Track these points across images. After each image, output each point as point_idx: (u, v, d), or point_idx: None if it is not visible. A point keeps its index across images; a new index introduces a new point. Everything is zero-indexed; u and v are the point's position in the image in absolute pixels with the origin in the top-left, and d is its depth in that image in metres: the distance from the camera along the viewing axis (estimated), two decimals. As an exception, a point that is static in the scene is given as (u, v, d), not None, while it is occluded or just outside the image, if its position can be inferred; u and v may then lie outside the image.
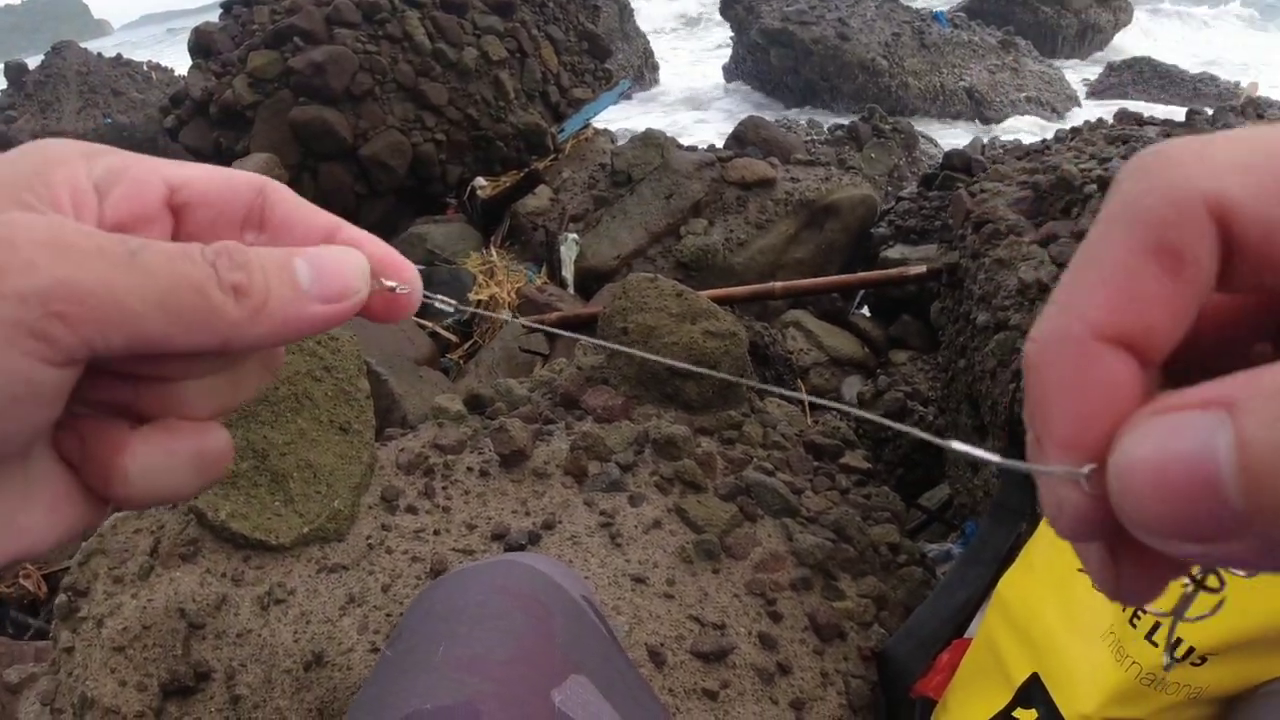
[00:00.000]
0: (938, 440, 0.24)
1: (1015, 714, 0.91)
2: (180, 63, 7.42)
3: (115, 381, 0.30)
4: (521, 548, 1.21)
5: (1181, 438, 0.18)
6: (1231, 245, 0.20)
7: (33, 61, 8.89)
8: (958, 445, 0.23)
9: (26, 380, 0.25)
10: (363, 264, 0.32)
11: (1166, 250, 0.20)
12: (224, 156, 4.51)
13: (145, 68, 8.98)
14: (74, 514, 0.30)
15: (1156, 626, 0.81)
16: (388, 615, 1.15)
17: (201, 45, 4.91)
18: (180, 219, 0.33)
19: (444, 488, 1.32)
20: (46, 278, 0.25)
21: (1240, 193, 0.20)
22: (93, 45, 9.48)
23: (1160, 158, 0.21)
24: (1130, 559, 0.22)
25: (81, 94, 8.31)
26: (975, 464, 1.70)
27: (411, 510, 1.28)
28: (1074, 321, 0.21)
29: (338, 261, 0.31)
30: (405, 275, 0.34)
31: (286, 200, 0.34)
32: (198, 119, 4.76)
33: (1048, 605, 0.94)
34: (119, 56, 8.98)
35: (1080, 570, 0.93)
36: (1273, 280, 0.21)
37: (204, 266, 0.28)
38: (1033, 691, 0.90)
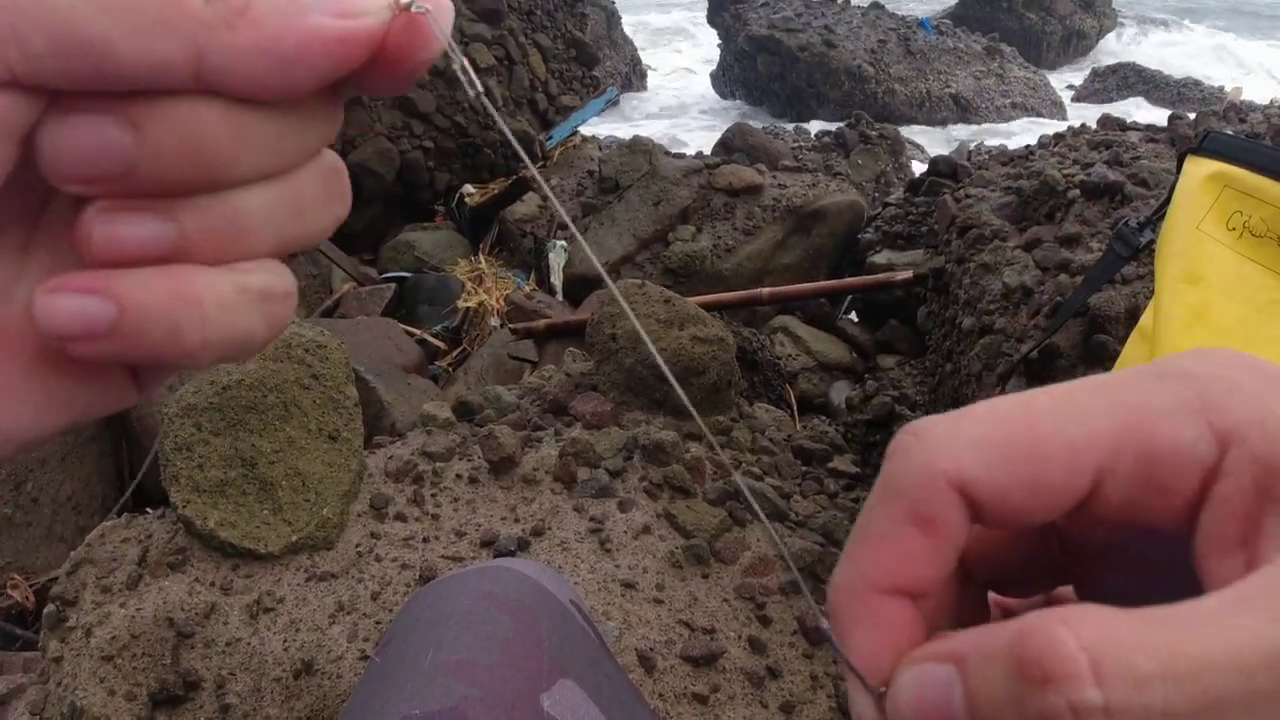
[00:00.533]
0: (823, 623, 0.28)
1: None
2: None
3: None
4: (511, 554, 1.22)
5: (930, 683, 0.23)
6: (974, 506, 0.25)
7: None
8: (825, 624, 0.27)
9: None
10: None
11: (920, 518, 0.25)
12: (211, 165, 4.50)
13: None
14: (96, 388, 0.25)
15: None
16: (377, 623, 1.15)
17: (188, 53, 4.90)
18: None
19: (433, 495, 1.33)
20: None
21: (973, 467, 0.24)
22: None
23: (916, 437, 0.25)
24: None
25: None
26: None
27: (401, 518, 1.28)
28: (856, 578, 0.25)
29: None
30: None
31: None
32: (185, 127, 4.75)
33: None
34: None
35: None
36: (1017, 524, 0.25)
37: None
38: None
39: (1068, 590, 0.31)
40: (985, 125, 8.26)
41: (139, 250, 0.24)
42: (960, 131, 8.11)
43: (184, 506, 1.21)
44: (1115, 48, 13.11)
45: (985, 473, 0.24)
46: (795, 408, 2.82)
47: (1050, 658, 0.20)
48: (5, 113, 0.21)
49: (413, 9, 0.25)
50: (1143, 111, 8.85)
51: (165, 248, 0.24)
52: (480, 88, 0.27)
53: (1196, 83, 9.85)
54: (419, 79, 0.25)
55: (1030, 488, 0.24)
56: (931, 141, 7.29)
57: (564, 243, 3.74)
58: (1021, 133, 8.05)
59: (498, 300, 3.46)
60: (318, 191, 0.27)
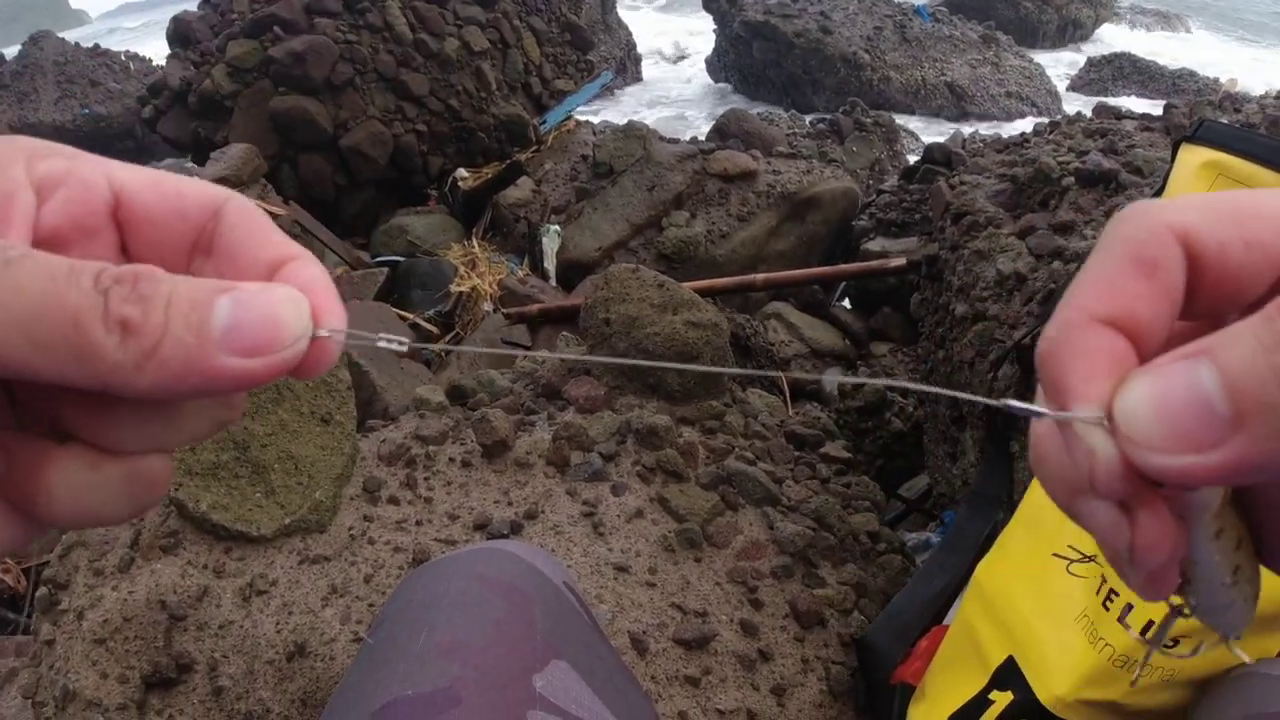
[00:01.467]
0: (992, 402, 0.29)
1: (991, 696, 0.93)
2: (159, 54, 7.34)
3: (39, 397, 0.27)
4: (504, 537, 1.22)
5: (1175, 376, 0.24)
6: (1194, 263, 0.26)
7: (9, 52, 8.77)
8: (1015, 404, 0.27)
9: None
10: (303, 312, 0.27)
11: (1142, 260, 0.26)
12: (202, 146, 4.48)
13: (123, 58, 8.87)
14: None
15: (1129, 608, 0.83)
16: (370, 606, 1.15)
17: (180, 34, 4.87)
18: (126, 235, 0.29)
19: (426, 478, 1.32)
20: None
21: (1197, 220, 0.26)
22: (70, 35, 9.35)
23: (1137, 206, 0.27)
24: (1144, 513, 0.26)
25: (59, 84, 8.22)
26: (953, 454, 1.71)
27: (394, 501, 1.28)
28: (1075, 312, 0.26)
29: (271, 305, 0.26)
30: (335, 319, 0.28)
31: (242, 223, 0.29)
32: (176, 109, 4.72)
33: (1023, 591, 0.95)
34: (96, 46, 8.88)
35: (1055, 555, 0.94)
36: (1225, 300, 0.27)
37: (90, 294, 0.24)
38: (1008, 674, 0.92)
39: None
40: (983, 124, 8.24)
41: None
42: (956, 127, 8.09)
43: (176, 489, 1.21)
44: (1112, 37, 13.09)
45: (1207, 226, 0.26)
46: (788, 394, 2.83)
47: None
48: None
49: (321, 334, 0.27)
50: (1133, 102, 8.85)
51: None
52: (405, 349, 0.30)
53: (1192, 74, 9.86)
54: None
55: (1247, 243, 0.25)
56: (926, 133, 7.28)
57: (557, 228, 3.73)
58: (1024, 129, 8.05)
59: (491, 285, 3.46)
60: (206, 405, 0.29)
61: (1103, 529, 0.27)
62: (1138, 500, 0.26)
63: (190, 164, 3.51)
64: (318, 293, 0.28)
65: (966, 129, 7.04)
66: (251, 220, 0.29)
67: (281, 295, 0.27)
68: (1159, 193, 1.03)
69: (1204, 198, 0.26)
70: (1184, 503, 0.26)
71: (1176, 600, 0.30)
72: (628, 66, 11.10)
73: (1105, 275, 0.26)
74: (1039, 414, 0.26)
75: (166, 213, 0.29)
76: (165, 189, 0.29)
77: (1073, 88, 10.11)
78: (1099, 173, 1.51)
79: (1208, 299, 0.26)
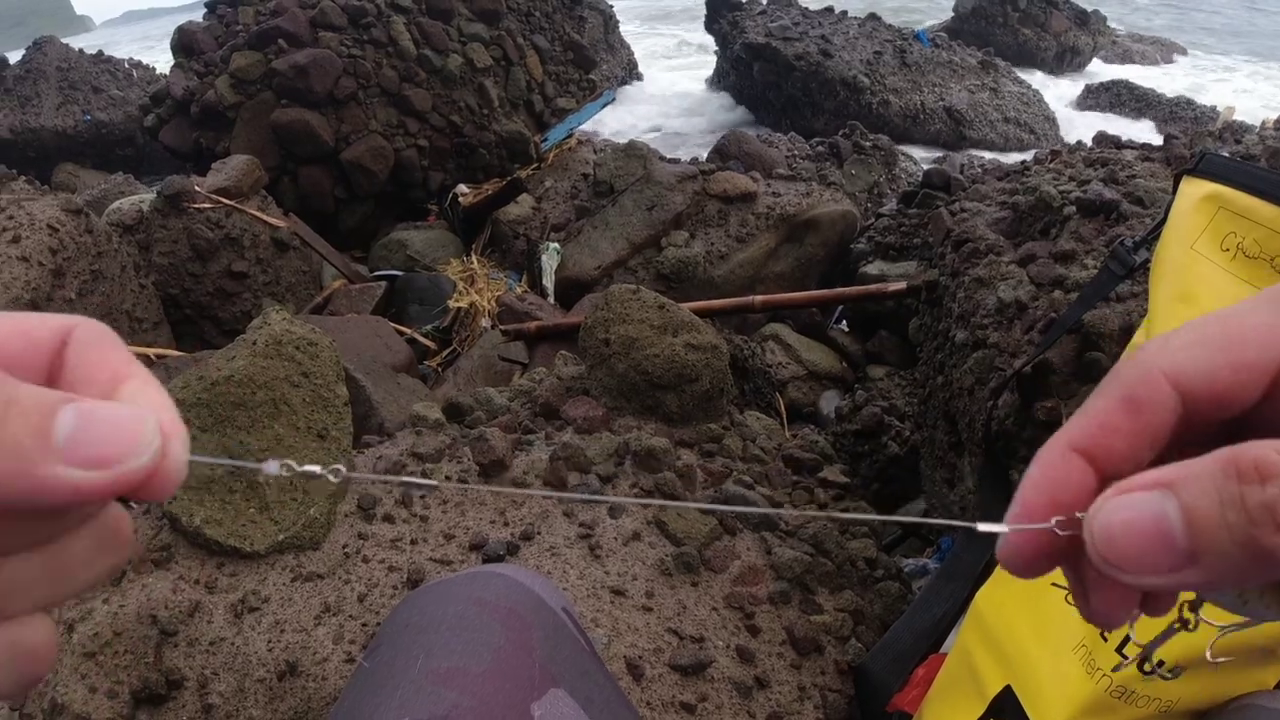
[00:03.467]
0: (959, 524, 0.34)
1: None
2: (162, 61, 7.36)
3: None
4: (500, 558, 1.21)
5: (1145, 507, 0.27)
6: (1187, 398, 0.29)
7: (13, 56, 8.78)
8: (982, 526, 0.32)
9: None
10: (151, 425, 0.26)
11: (1130, 400, 0.30)
12: (204, 156, 4.48)
13: (126, 65, 8.88)
14: None
15: (1127, 640, 0.82)
16: (363, 625, 1.14)
17: (184, 44, 4.88)
18: None
19: (421, 497, 1.32)
20: None
21: (1187, 364, 0.29)
22: (74, 41, 9.36)
23: (1139, 352, 0.30)
24: (1096, 590, 0.31)
25: (61, 90, 8.21)
26: (951, 480, 1.71)
27: (389, 519, 1.27)
28: (1056, 439, 0.31)
29: (119, 417, 0.26)
30: (179, 442, 0.27)
31: (93, 346, 0.29)
32: (178, 118, 4.73)
33: (1021, 619, 0.95)
34: (100, 53, 8.89)
35: (1054, 585, 0.94)
36: (1216, 419, 0.30)
37: None
38: (1005, 703, 0.91)
39: None
40: (981, 150, 8.29)
41: None
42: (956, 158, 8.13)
43: (170, 502, 1.20)
44: (1109, 66, 13.19)
45: (1193, 364, 0.29)
46: (785, 416, 2.82)
47: (1265, 461, 0.25)
48: None
49: (178, 454, 0.26)
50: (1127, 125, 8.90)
51: None
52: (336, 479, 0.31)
53: (1189, 101, 9.92)
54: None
55: (1233, 366, 0.29)
56: (925, 158, 7.31)
57: (557, 245, 3.73)
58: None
59: (489, 301, 3.45)
60: (88, 551, 0.28)
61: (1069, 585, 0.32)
62: (1088, 584, 0.31)
63: (192, 175, 3.52)
64: (161, 414, 0.27)
65: (959, 157, 7.08)
66: (99, 348, 0.29)
67: (129, 409, 0.26)
68: (1160, 224, 1.03)
69: (1198, 331, 0.30)
70: None
71: (1186, 615, 0.35)
72: (629, 85, 11.15)
73: (1094, 410, 0.30)
74: (1001, 529, 0.30)
75: (15, 339, 0.28)
76: (15, 321, 0.29)
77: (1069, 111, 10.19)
78: (1100, 202, 1.52)
79: (1200, 419, 0.30)
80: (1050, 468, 0.30)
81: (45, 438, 0.24)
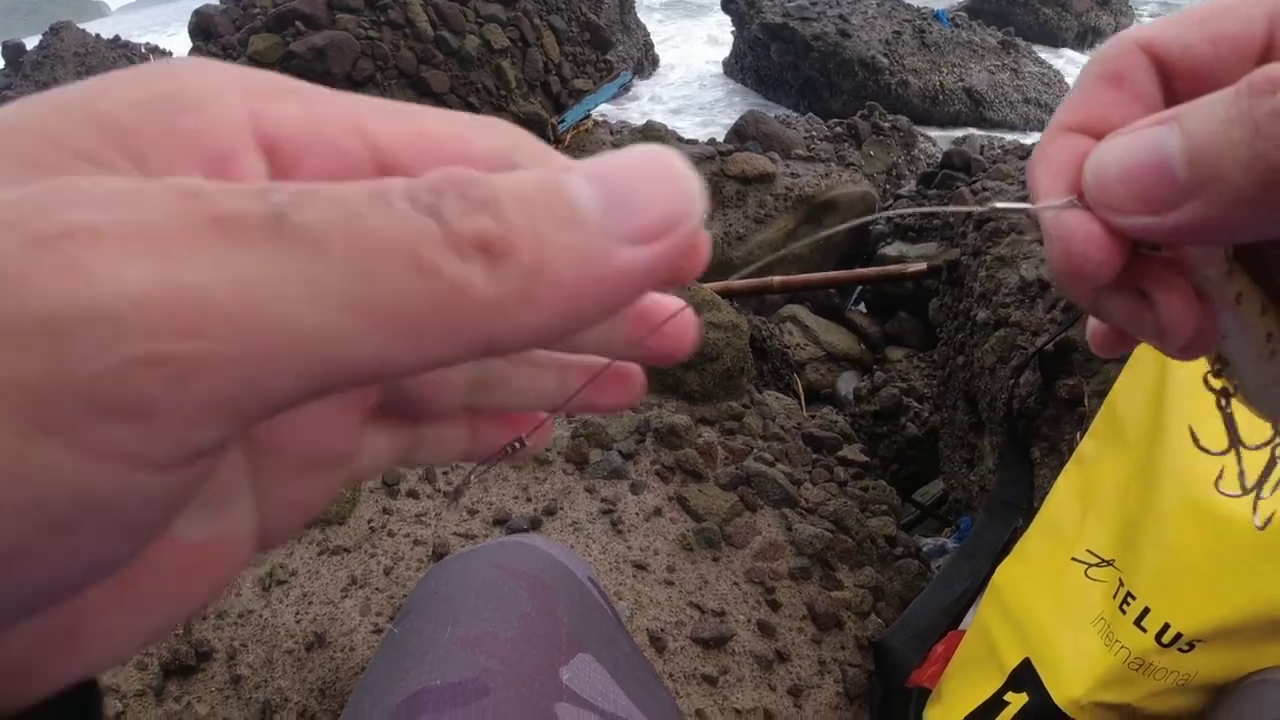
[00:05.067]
0: (978, 209, 0.32)
1: (1006, 698, 0.93)
2: (180, 46, 7.38)
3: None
4: (524, 532, 1.22)
5: (1143, 140, 0.24)
6: (1163, 68, 0.27)
7: (30, 42, 8.84)
8: (1000, 204, 0.29)
9: (79, 497, 0.14)
10: (685, 167, 0.19)
11: (1110, 74, 0.28)
12: (223, 140, 4.49)
13: (144, 50, 8.93)
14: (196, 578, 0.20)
15: (1145, 612, 0.82)
16: (390, 597, 1.15)
17: (202, 28, 4.89)
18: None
19: (445, 472, 1.33)
20: (134, 292, 0.13)
21: (1161, 29, 0.27)
22: (90, 27, 9.42)
23: (1118, 34, 0.29)
24: (1160, 293, 0.27)
25: (79, 75, 8.27)
26: (970, 460, 1.71)
27: (413, 494, 1.29)
28: (1050, 128, 0.28)
29: (634, 168, 0.18)
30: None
31: (536, 154, 0.22)
32: (197, 102, 4.75)
33: (1040, 594, 0.95)
34: (117, 38, 8.93)
35: (1074, 560, 0.94)
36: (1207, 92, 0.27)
37: (415, 216, 0.16)
38: (1024, 676, 0.92)
39: None
40: (1001, 131, 8.21)
41: None
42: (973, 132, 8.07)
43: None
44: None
45: (1171, 33, 0.27)
46: (803, 397, 2.83)
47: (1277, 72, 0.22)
48: (193, 482, 0.16)
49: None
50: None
51: None
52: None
53: (1212, 82, 9.79)
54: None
55: (1211, 39, 0.27)
56: (944, 138, 7.26)
57: (575, 227, 3.74)
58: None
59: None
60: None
61: (1128, 318, 0.28)
62: (1151, 281, 0.27)
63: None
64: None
65: (980, 138, 7.03)
66: (543, 151, 0.22)
67: (641, 151, 0.18)
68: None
69: (1182, 12, 0.28)
70: (1193, 272, 0.28)
71: (1218, 383, 0.31)
72: (645, 66, 11.11)
73: (1078, 92, 0.28)
74: (1023, 209, 0.28)
75: (435, 153, 0.20)
76: (431, 148, 0.20)
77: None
78: (1123, 180, 1.51)
79: (1187, 97, 0.27)
80: (1052, 149, 0.28)
81: (582, 220, 0.17)
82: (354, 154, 0.19)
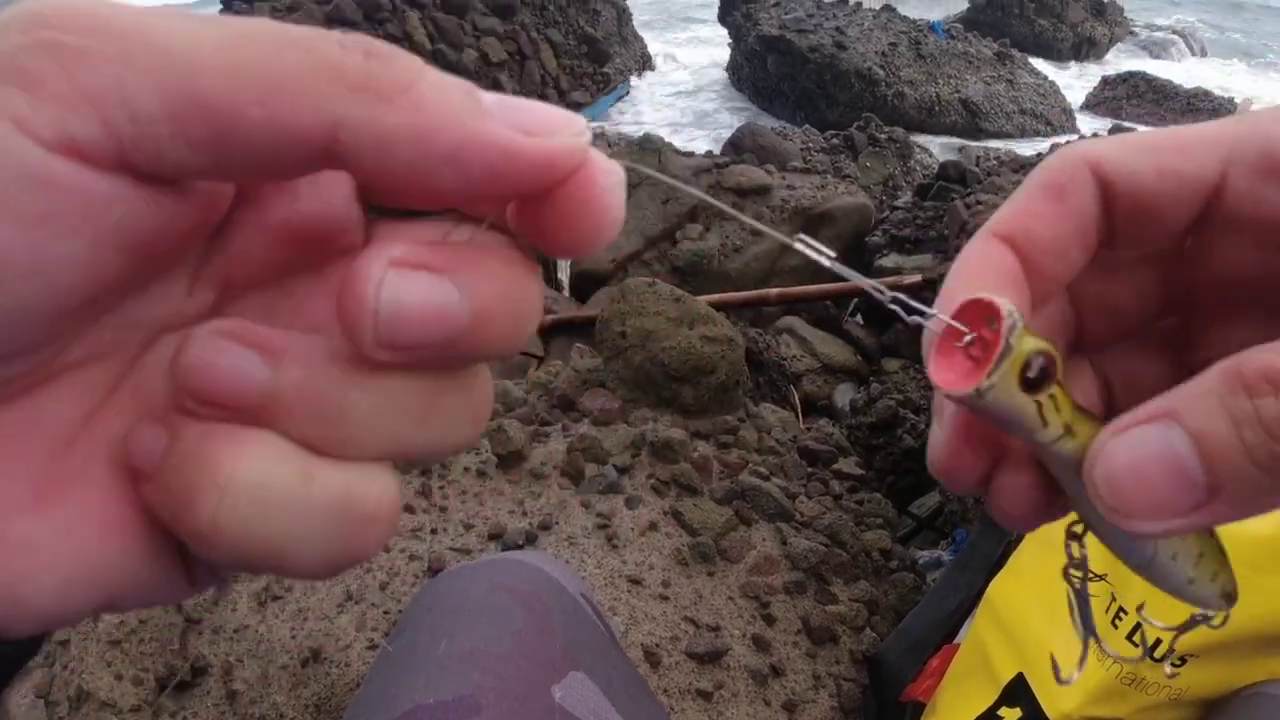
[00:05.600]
0: (875, 290, 0.30)
1: (1000, 713, 0.93)
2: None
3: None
4: (519, 548, 1.23)
5: (1148, 444, 0.24)
6: (1108, 190, 0.27)
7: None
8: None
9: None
10: (572, 115, 0.21)
11: (1052, 187, 0.28)
12: (221, 153, 4.52)
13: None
14: (126, 560, 0.20)
15: (1138, 627, 0.83)
16: (385, 613, 1.16)
17: (201, 41, 4.92)
18: None
19: (441, 487, 1.33)
20: (47, 2, 0.17)
21: (1110, 151, 0.27)
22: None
23: (1068, 145, 0.29)
24: (1009, 476, 0.29)
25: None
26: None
27: (409, 509, 1.29)
28: (984, 228, 0.28)
29: (537, 105, 0.20)
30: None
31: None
32: (195, 115, 4.77)
33: (1034, 607, 0.96)
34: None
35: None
36: (1145, 232, 0.28)
37: (329, 34, 0.19)
38: (1017, 690, 0.92)
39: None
40: (997, 141, 8.25)
41: (226, 389, 0.19)
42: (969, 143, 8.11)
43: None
44: (1126, 57, 13.09)
45: (1119, 156, 0.27)
46: (799, 409, 2.83)
47: (1272, 369, 0.22)
48: (109, 201, 0.17)
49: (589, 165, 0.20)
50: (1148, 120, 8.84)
51: (251, 396, 0.19)
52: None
53: (1207, 93, 9.83)
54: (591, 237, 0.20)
55: (1160, 171, 0.26)
56: (941, 151, 7.29)
57: (572, 239, 3.74)
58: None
59: (505, 295, 3.47)
60: (457, 405, 0.22)
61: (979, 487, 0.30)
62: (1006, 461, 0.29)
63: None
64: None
65: (975, 149, 7.05)
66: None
67: (549, 106, 0.20)
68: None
69: (1142, 135, 0.28)
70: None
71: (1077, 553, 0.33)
72: (642, 78, 11.16)
73: (1019, 200, 0.28)
74: (923, 312, 0.27)
75: None
76: None
77: (1087, 106, 10.12)
78: (1116, 194, 1.52)
79: (1126, 226, 0.28)
80: (973, 254, 0.28)
81: (474, 97, 0.19)
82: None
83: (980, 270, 0.27)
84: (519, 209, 0.21)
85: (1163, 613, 0.81)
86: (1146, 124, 7.93)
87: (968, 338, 0.25)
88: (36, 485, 0.19)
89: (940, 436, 0.29)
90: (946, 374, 0.26)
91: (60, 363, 0.19)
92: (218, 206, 0.20)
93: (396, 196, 0.20)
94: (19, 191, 0.16)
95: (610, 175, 0.20)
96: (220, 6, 5.26)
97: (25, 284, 0.17)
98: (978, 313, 0.25)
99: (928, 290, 2.69)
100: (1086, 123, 9.02)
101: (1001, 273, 0.27)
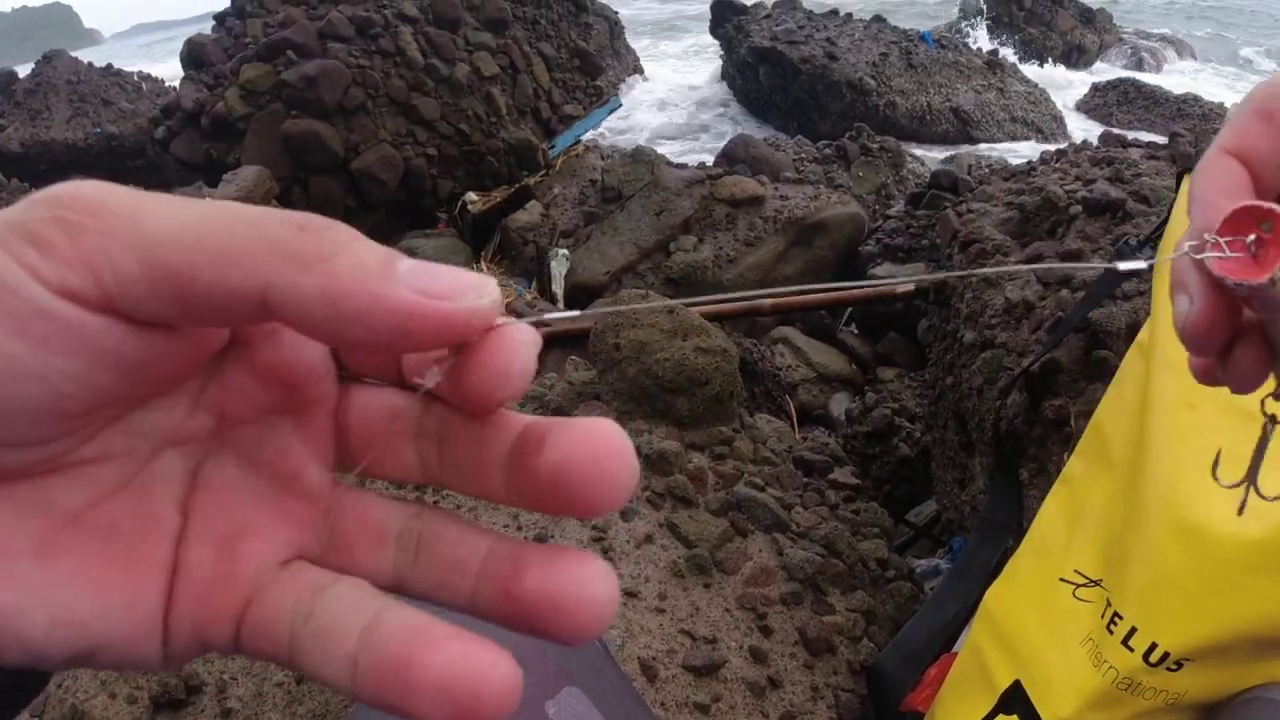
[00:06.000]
0: (1099, 265, 0.43)
1: (998, 719, 0.93)
2: (171, 74, 7.42)
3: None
4: (513, 561, 1.22)
5: None
6: None
7: (22, 70, 8.87)
8: (1123, 265, 0.39)
9: (14, 298, 0.21)
10: (493, 283, 0.24)
11: (1262, 112, 0.36)
12: (215, 167, 4.52)
13: (136, 78, 8.97)
14: (109, 619, 0.24)
15: (1133, 632, 0.83)
16: (380, 628, 1.15)
17: (194, 56, 4.92)
18: None
19: (435, 501, 1.33)
20: (66, 188, 0.22)
21: None
22: (83, 54, 9.45)
23: (1276, 75, 0.37)
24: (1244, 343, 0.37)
25: (71, 103, 8.30)
26: (962, 481, 1.71)
27: (404, 524, 1.29)
28: (1213, 146, 0.37)
29: (452, 270, 0.24)
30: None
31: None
32: (189, 130, 4.77)
33: (1030, 615, 0.96)
34: (109, 66, 8.97)
35: (1062, 580, 0.94)
36: None
37: (275, 213, 0.23)
38: (1014, 697, 0.92)
39: None
40: (988, 146, 8.28)
41: None
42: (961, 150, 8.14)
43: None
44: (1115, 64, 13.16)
45: None
46: (795, 419, 2.83)
47: None
48: (101, 335, 0.22)
49: (501, 324, 0.23)
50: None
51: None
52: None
53: (1196, 99, 9.89)
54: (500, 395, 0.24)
55: None
56: (932, 158, 7.31)
57: (566, 251, 3.75)
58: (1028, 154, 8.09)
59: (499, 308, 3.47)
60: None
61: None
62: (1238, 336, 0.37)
63: (204, 186, 3.56)
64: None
65: (967, 157, 7.08)
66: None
67: (465, 271, 0.24)
68: (1163, 223, 1.04)
69: None
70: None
71: (1274, 408, 0.40)
72: (635, 91, 11.20)
73: (1236, 123, 0.36)
74: (1148, 263, 0.37)
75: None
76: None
77: (1077, 112, 10.18)
78: (1106, 201, 1.52)
79: None
80: (1214, 168, 0.35)
81: (389, 265, 0.22)
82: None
83: (1223, 180, 0.35)
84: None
85: (1167, 627, 0.81)
86: (1136, 129, 7.97)
87: (1252, 236, 0.32)
88: (40, 542, 0.23)
89: (1195, 311, 0.36)
90: (1229, 265, 0.32)
91: (74, 457, 0.24)
92: (210, 345, 0.25)
93: (342, 350, 0.26)
94: (29, 318, 0.21)
95: (516, 335, 0.23)
96: (214, 22, 5.27)
97: (32, 386, 0.21)
98: (1246, 215, 0.32)
99: (920, 299, 2.70)
100: (1078, 127, 9.06)
101: (1240, 182, 0.35)
